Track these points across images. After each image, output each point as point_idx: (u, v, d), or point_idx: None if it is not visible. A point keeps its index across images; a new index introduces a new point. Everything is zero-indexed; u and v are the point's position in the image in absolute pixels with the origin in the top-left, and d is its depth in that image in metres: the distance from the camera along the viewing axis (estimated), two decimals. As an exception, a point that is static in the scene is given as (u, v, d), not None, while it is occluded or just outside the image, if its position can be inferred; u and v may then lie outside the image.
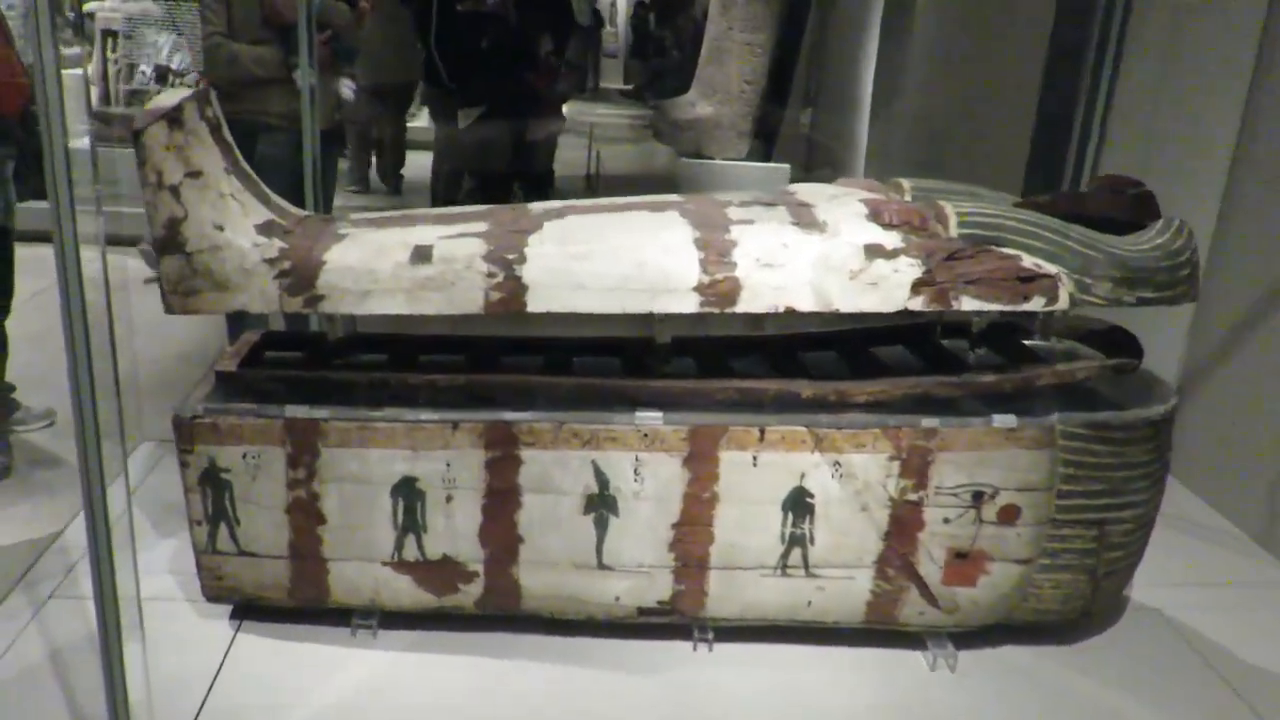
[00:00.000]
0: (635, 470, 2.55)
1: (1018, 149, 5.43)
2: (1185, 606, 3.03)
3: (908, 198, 2.78)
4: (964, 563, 2.65)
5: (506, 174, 6.70)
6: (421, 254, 2.44)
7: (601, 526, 2.60)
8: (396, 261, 2.43)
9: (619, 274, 2.43)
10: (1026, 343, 2.88)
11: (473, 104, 6.05)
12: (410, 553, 2.61)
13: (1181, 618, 3.00)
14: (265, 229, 2.46)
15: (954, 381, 2.57)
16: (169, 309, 2.43)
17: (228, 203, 2.40)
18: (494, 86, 6.15)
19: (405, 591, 2.66)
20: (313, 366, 2.65)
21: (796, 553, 2.63)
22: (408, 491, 2.56)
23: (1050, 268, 2.47)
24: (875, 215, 2.54)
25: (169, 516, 3.19)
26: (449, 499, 2.57)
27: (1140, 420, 2.59)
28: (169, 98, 2.40)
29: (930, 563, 2.64)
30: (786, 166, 7.59)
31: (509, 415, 2.51)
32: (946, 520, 2.60)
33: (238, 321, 4.15)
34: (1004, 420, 2.54)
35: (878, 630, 2.74)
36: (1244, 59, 3.62)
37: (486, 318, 2.42)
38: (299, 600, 2.69)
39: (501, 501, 2.57)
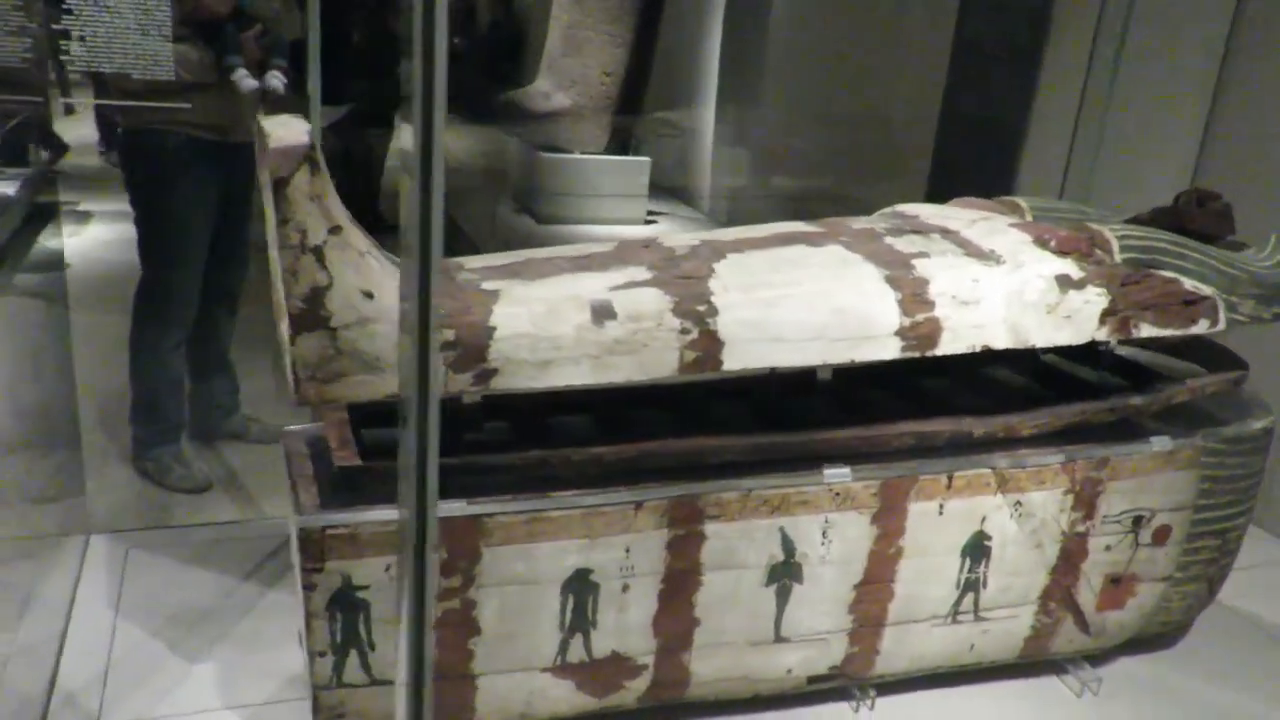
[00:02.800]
0: (824, 533, 2.33)
1: (918, 146, 5.51)
2: (1238, 596, 3.18)
3: (1029, 218, 2.71)
4: (1116, 588, 2.65)
5: (367, 189, 6.09)
6: (603, 312, 2.09)
7: (784, 597, 2.37)
8: (578, 324, 2.06)
9: (818, 323, 2.20)
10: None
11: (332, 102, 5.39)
12: (575, 654, 2.27)
13: (1245, 607, 3.14)
14: (410, 292, 2.01)
15: (1109, 407, 2.53)
16: (303, 400, 1.93)
17: (368, 263, 1.94)
18: (361, 85, 5.56)
19: (563, 699, 2.31)
20: (455, 448, 2.20)
21: (969, 598, 2.52)
22: (580, 586, 2.21)
23: (1205, 289, 2.48)
24: (1042, 243, 2.44)
25: (180, 638, 2.62)
26: (625, 589, 2.24)
27: (1262, 430, 2.67)
28: (280, 126, 1.89)
29: (1088, 591, 2.60)
30: (647, 160, 7.43)
31: (696, 488, 2.21)
32: (1108, 548, 2.58)
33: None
34: (1161, 443, 2.53)
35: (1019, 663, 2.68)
36: (1206, 60, 3.83)
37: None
38: (433, 726, 2.25)
39: (680, 584, 2.29)
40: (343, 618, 2.11)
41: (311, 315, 1.89)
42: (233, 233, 3.70)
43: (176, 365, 3.67)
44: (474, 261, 2.32)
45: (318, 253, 1.87)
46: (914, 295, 2.28)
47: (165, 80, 3.23)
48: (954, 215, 2.68)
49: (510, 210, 7.48)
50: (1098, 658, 2.79)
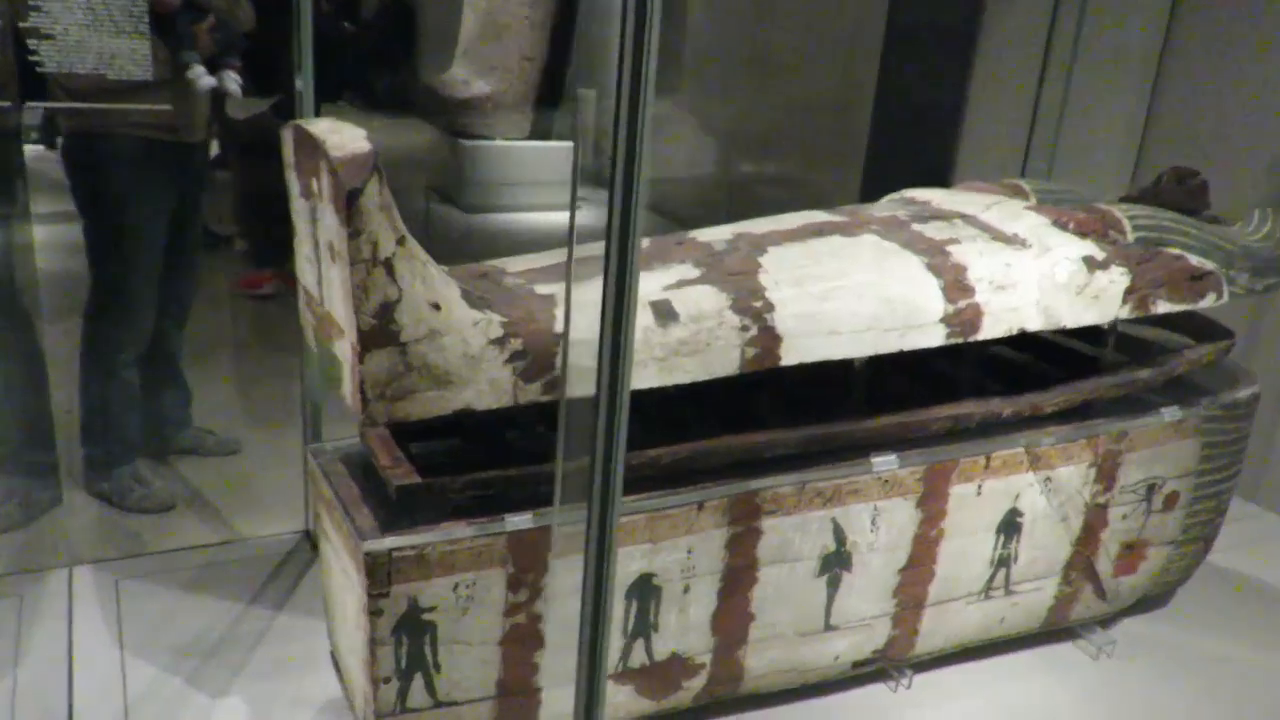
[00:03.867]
0: (873, 520, 2.35)
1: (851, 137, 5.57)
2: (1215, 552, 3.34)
3: (1032, 200, 2.77)
4: (1130, 554, 2.75)
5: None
6: (667, 313, 2.05)
7: (834, 586, 2.39)
8: (643, 326, 2.02)
9: (869, 314, 2.20)
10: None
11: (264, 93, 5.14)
12: (637, 659, 2.23)
13: (1221, 562, 3.30)
14: (472, 301, 1.93)
15: (1121, 382, 2.61)
16: (370, 419, 1.84)
17: (431, 273, 1.85)
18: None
19: (623, 704, 2.28)
20: (493, 458, 2.13)
21: (1001, 574, 2.59)
22: (643, 591, 2.17)
23: (1209, 265, 2.58)
24: (1062, 225, 2.50)
25: (197, 673, 2.48)
26: (686, 589, 2.22)
27: (1251, 396, 2.80)
28: (333, 132, 1.78)
29: (1105, 559, 2.69)
30: (571, 145, 7.31)
31: (754, 484, 2.19)
32: (1124, 516, 2.68)
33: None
34: (1171, 413, 2.63)
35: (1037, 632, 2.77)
36: (1146, 45, 3.98)
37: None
38: (496, 744, 2.20)
39: (738, 581, 2.27)
40: (409, 642, 2.02)
41: (382, 331, 1.79)
42: (183, 238, 3.49)
43: (129, 381, 3.45)
44: (514, 264, 2.24)
45: (388, 265, 1.77)
46: (955, 282, 2.31)
47: (113, 79, 3.02)
48: (967, 200, 2.72)
49: (434, 200, 7.30)
50: (1106, 620, 2.90)
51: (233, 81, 3.45)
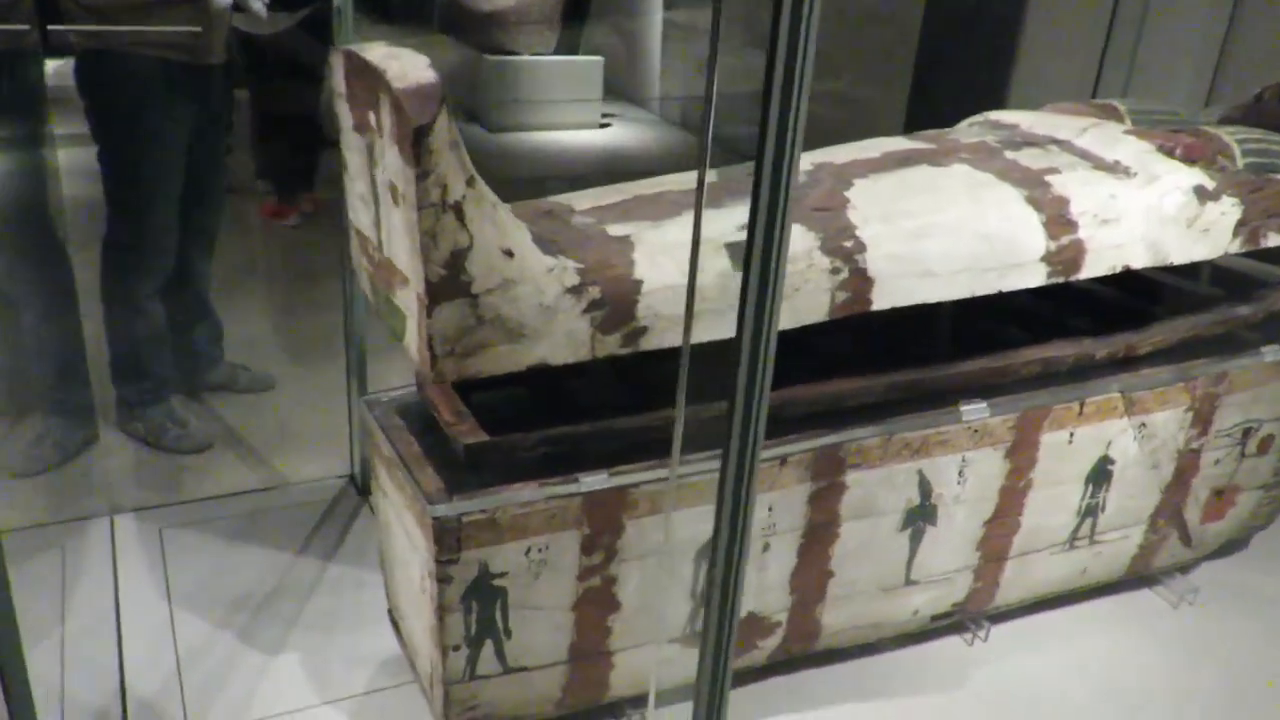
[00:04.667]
0: (960, 472, 2.21)
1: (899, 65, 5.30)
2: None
3: (1128, 122, 2.56)
4: (1219, 500, 2.61)
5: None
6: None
7: (916, 540, 2.26)
8: (722, 270, 1.84)
9: (967, 253, 2.03)
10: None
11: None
12: (713, 620, 2.10)
13: None
14: (544, 245, 1.76)
15: (1220, 319, 2.45)
16: (438, 376, 1.69)
17: (500, 216, 1.68)
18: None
19: (693, 666, 2.15)
20: (559, 413, 1.99)
21: (1088, 524, 2.46)
22: (721, 550, 2.03)
23: (1325, 192, 2.38)
24: (1167, 151, 2.30)
25: (250, 627, 2.39)
26: (765, 548, 2.09)
27: (1346, 330, 2.62)
28: (391, 59, 1.60)
29: (1194, 506, 2.56)
30: (599, 60, 7.06)
31: (839, 437, 2.05)
32: (1217, 462, 2.54)
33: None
34: (1273, 352, 2.46)
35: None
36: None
37: None
38: (567, 709, 2.12)
39: (818, 537, 2.14)
40: (479, 608, 1.90)
41: (452, 282, 1.63)
42: (207, 166, 3.31)
43: (156, 315, 3.31)
44: (580, 202, 2.07)
45: (458, 210, 1.60)
46: (1057, 216, 2.12)
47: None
48: (1059, 123, 2.51)
49: (459, 119, 7.04)
50: (1186, 567, 2.78)
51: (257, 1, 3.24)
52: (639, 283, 1.80)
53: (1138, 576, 2.69)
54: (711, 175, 2.20)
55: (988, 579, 2.41)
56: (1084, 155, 2.32)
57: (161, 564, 2.62)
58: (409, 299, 1.71)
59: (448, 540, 1.82)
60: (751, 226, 1.25)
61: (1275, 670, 2.51)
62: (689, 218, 1.97)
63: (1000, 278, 2.08)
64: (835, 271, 1.94)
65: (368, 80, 1.67)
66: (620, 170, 6.39)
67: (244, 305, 4.22)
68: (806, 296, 1.92)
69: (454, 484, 1.86)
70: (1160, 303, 2.57)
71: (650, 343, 1.83)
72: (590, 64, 6.98)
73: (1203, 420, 2.45)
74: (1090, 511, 2.44)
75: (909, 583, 2.31)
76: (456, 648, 1.93)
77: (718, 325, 1.86)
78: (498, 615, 1.93)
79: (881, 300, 1.99)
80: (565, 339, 1.76)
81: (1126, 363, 2.38)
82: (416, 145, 1.52)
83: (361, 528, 2.82)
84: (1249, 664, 2.52)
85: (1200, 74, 3.84)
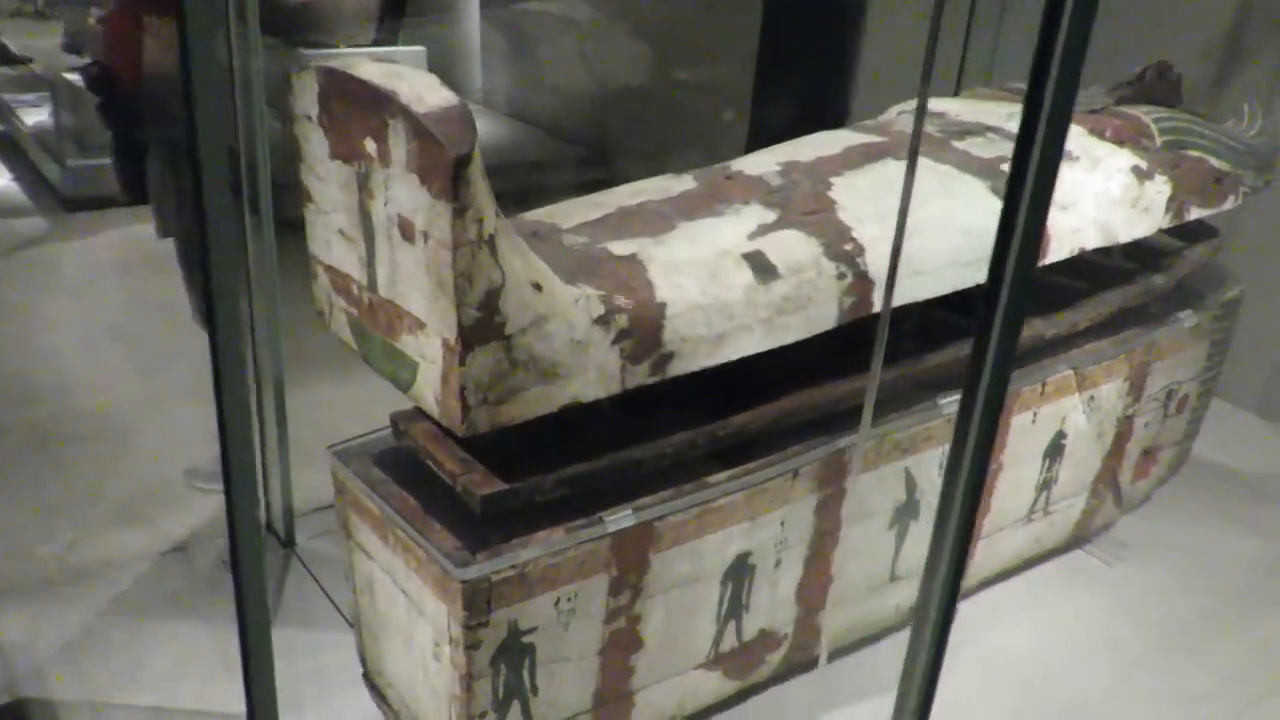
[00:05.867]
0: (940, 465, 2.22)
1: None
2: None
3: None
4: (1146, 459, 2.76)
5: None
6: (763, 266, 1.80)
7: (902, 537, 2.27)
8: (745, 285, 1.77)
9: (950, 248, 2.04)
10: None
11: None
12: (728, 643, 2.05)
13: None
14: (559, 273, 1.62)
15: (1143, 290, 2.57)
16: (470, 428, 1.53)
17: (522, 245, 1.53)
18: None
19: (711, 690, 2.10)
20: (571, 449, 1.85)
21: (1043, 497, 2.55)
22: (738, 572, 1.98)
23: (1224, 166, 2.53)
24: (1099, 134, 2.38)
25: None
26: (778, 564, 2.04)
27: (1240, 293, 2.83)
28: (395, 79, 1.42)
29: (1127, 467, 2.69)
30: (422, 50, 6.74)
31: (842, 442, 2.01)
32: (1146, 424, 2.67)
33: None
34: (1188, 318, 2.62)
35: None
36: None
37: None
38: (587, 756, 1.98)
39: (822, 546, 2.12)
40: (507, 670, 1.75)
41: (487, 325, 1.47)
42: None
43: None
44: (561, 219, 1.92)
45: (492, 245, 1.44)
46: (1024, 205, 2.15)
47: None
48: (983, 110, 2.56)
49: (271, 118, 6.56)
50: (1110, 525, 2.93)
51: None
52: (663, 305, 1.69)
53: (1078, 539, 2.81)
54: (682, 181, 2.10)
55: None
56: (1026, 142, 2.37)
57: (70, 658, 2.29)
58: (426, 345, 1.53)
59: (478, 603, 1.65)
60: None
61: (1207, 611, 2.69)
62: (686, 230, 1.87)
63: (978, 270, 2.08)
64: (841, 277, 1.89)
65: (361, 103, 1.47)
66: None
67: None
68: (818, 306, 1.86)
69: (472, 540, 1.70)
70: (1083, 279, 2.68)
71: (677, 368, 1.72)
72: (412, 54, 6.64)
73: (1137, 387, 2.58)
74: (1046, 485, 2.52)
75: (893, 579, 2.32)
76: (483, 715, 1.77)
77: (745, 341, 1.78)
78: (525, 673, 1.78)
79: (880, 302, 1.96)
80: (597, 374, 1.63)
81: (1069, 340, 2.46)
82: (456, 178, 1.35)
83: (296, 584, 2.56)
84: (1183, 610, 2.68)
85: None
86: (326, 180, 1.64)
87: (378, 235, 1.55)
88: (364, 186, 1.54)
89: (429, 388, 1.56)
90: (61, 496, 2.95)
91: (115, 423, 3.37)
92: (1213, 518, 3.09)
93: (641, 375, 1.68)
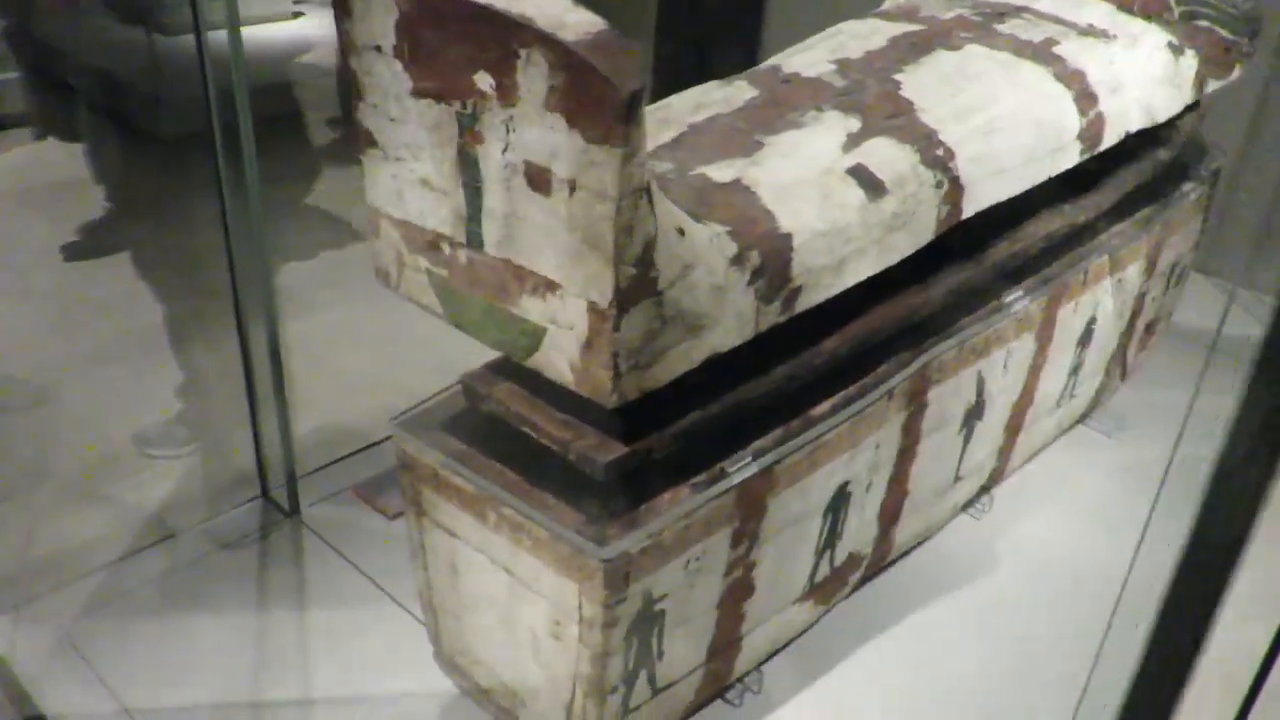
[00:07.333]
0: (1005, 364, 2.17)
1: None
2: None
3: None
4: (1148, 333, 2.79)
5: None
6: (871, 183, 1.66)
7: (968, 439, 2.23)
8: (859, 204, 1.62)
9: (1027, 143, 1.95)
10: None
11: None
12: (821, 573, 1.98)
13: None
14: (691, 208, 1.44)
15: (1151, 164, 2.53)
16: (620, 397, 1.36)
17: (654, 183, 1.34)
18: None
19: (802, 620, 2.05)
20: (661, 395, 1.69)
21: (1072, 381, 2.53)
22: (838, 503, 1.89)
23: (1229, 34, 2.50)
24: (1127, 9, 2.30)
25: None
26: (869, 488, 1.96)
27: (1221, 161, 2.84)
28: (532, 4, 1.20)
29: (1135, 343, 2.72)
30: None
31: (928, 355, 1.93)
32: (1154, 299, 2.68)
33: None
34: (1191, 189, 2.62)
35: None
36: None
37: None
38: (693, 709, 1.91)
39: (904, 462, 2.05)
40: (639, 641, 1.62)
41: (641, 281, 1.28)
42: None
43: None
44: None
45: (649, 192, 1.24)
46: (1083, 91, 2.06)
47: None
48: (1002, -15, 2.43)
49: (117, 22, 5.84)
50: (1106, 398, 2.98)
51: None
52: (789, 236, 1.52)
53: (1082, 417, 2.85)
54: (742, 88, 1.91)
55: (1005, 455, 2.44)
56: (1060, 21, 2.26)
57: (93, 675, 2.03)
58: (560, 309, 1.33)
59: (616, 580, 1.51)
60: None
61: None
62: (776, 146, 1.69)
63: (1051, 163, 2.00)
64: (939, 185, 1.76)
65: (470, 29, 1.23)
66: (330, 67, 5.64)
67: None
68: (919, 219, 1.73)
69: (594, 511, 1.54)
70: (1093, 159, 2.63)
71: (805, 302, 1.57)
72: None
73: (1152, 264, 2.58)
74: (1075, 370, 2.52)
75: (956, 480, 2.28)
76: (614, 690, 1.64)
77: (859, 266, 1.64)
78: (654, 641, 1.66)
79: (969, 207, 1.85)
80: (735, 319, 1.47)
81: (1095, 225, 2.42)
82: (628, 119, 1.14)
83: (316, 557, 2.34)
84: (1186, 482, 2.76)
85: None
86: (403, 121, 1.39)
87: (488, 185, 1.33)
88: (468, 129, 1.30)
89: (561, 355, 1.37)
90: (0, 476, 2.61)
91: (38, 389, 2.99)
92: (1192, 381, 3.18)
93: (773, 315, 1.53)
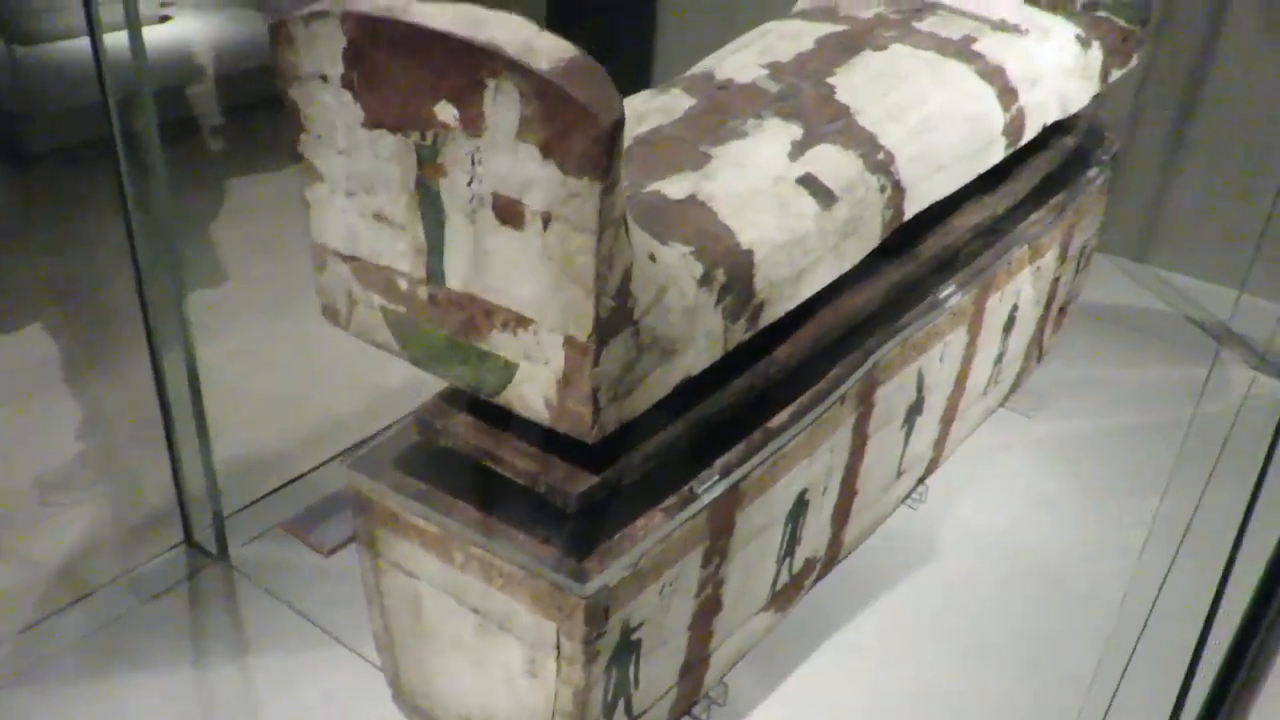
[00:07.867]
0: (941, 357, 2.20)
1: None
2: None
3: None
4: (1060, 315, 2.87)
5: None
6: (821, 191, 1.65)
7: (909, 435, 2.25)
8: (814, 214, 1.61)
9: (960, 140, 1.98)
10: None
11: None
12: (781, 581, 1.98)
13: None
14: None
15: (1059, 151, 2.60)
16: (600, 430, 1.32)
17: (627, 211, 1.30)
18: None
19: (763, 628, 2.05)
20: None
21: (996, 368, 2.59)
22: (797, 510, 1.89)
23: (1126, 24, 2.59)
24: (1034, 1, 2.35)
25: None
26: (824, 492, 1.96)
27: (1120, 146, 2.95)
28: (478, 24, 1.14)
29: (1050, 326, 2.80)
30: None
31: (875, 356, 1.94)
32: (1066, 283, 2.77)
33: None
34: (1097, 173, 2.70)
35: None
36: None
37: None
38: (668, 724, 1.88)
39: (854, 464, 2.05)
40: (617, 672, 1.58)
41: (620, 312, 1.24)
42: None
43: None
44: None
45: (626, 221, 1.19)
46: (1004, 87, 2.09)
47: None
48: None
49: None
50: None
51: None
52: (750, 252, 1.50)
53: (1003, 400, 2.92)
54: (684, 95, 1.88)
55: (940, 446, 2.48)
56: (975, 18, 2.30)
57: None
58: (533, 344, 1.28)
59: (597, 615, 1.47)
60: None
61: (1126, 449, 2.88)
62: (724, 157, 1.66)
63: (981, 160, 2.04)
64: (882, 190, 1.76)
65: (429, 57, 1.16)
66: (198, 72, 5.40)
67: None
68: (867, 225, 1.73)
69: (566, 544, 1.49)
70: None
71: (768, 317, 1.56)
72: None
73: (1064, 250, 2.66)
74: (1000, 358, 2.58)
75: (899, 474, 2.31)
76: (595, 723, 1.61)
77: (816, 276, 1.63)
78: (631, 670, 1.63)
79: (910, 209, 1.86)
80: (705, 340, 1.44)
81: (1014, 214, 2.47)
82: (610, 151, 1.09)
83: (251, 603, 2.22)
84: (1105, 452, 2.86)
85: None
86: (353, 154, 1.31)
87: (451, 218, 1.26)
88: (429, 162, 1.24)
89: (535, 391, 1.32)
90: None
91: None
92: (1095, 356, 3.30)
93: (739, 332, 1.51)
